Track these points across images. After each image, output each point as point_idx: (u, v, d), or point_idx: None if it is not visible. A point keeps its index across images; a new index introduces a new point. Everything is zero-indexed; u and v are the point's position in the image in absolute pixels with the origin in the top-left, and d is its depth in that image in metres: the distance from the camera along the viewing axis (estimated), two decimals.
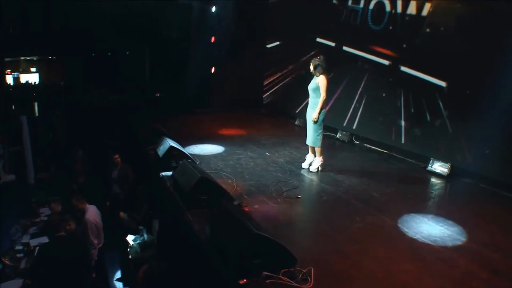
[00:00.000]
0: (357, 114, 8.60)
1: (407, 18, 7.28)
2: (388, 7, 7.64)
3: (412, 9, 7.14)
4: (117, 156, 7.81)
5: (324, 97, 6.44)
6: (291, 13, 10.86)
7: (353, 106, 8.69)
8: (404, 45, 7.37)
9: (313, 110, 6.58)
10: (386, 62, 7.69)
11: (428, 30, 6.92)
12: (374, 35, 7.98)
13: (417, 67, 7.08)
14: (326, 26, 9.32)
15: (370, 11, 8.00)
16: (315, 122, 6.51)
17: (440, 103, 6.76)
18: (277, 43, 12.03)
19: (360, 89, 8.41)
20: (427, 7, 6.90)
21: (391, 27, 7.61)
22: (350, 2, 8.59)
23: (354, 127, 8.82)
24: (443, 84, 6.66)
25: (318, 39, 9.54)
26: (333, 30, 9.06)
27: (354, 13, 8.42)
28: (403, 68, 7.31)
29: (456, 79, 6.53)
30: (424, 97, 7.11)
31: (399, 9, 7.40)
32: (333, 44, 9.10)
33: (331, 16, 9.18)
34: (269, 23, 12.02)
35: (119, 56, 20.01)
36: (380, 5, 7.80)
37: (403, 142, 7.62)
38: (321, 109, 6.49)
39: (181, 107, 12.94)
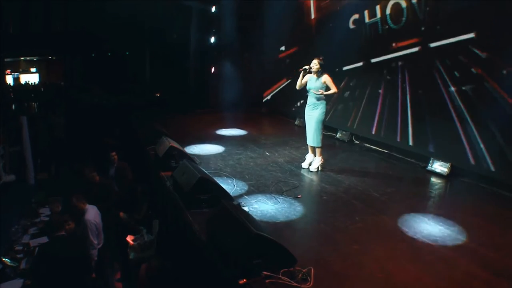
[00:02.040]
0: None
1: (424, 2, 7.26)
2: (404, 4, 7.61)
3: None
4: (114, 153, 7.75)
5: (336, 91, 6.58)
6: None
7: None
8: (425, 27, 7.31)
9: (314, 110, 6.61)
10: (416, 49, 7.55)
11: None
12: (398, 33, 7.90)
13: (444, 36, 6.92)
14: (350, 51, 9.04)
15: (388, 15, 7.99)
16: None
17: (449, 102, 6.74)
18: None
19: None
20: None
21: (411, 19, 7.55)
22: (366, 19, 8.55)
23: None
24: (472, 35, 6.43)
25: (345, 67, 9.27)
26: (358, 51, 8.86)
27: (374, 26, 8.40)
28: (432, 44, 7.15)
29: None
30: (432, 94, 7.07)
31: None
32: (361, 64, 8.92)
33: (352, 40, 8.97)
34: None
35: (119, 56, 20.03)
36: (396, 5, 7.80)
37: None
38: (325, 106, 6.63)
39: (181, 107, 12.96)
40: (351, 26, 9.04)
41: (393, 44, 7.96)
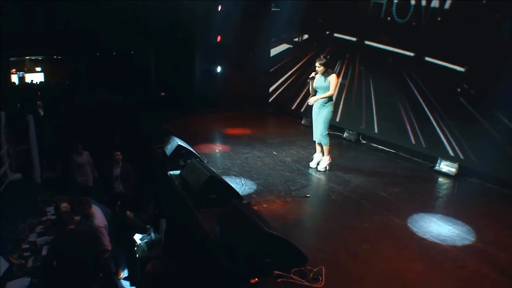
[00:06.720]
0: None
1: (431, 11, 7.17)
2: (413, 0, 7.51)
3: (435, 2, 7.09)
4: (118, 153, 7.72)
5: (332, 94, 6.49)
6: (303, 8, 10.66)
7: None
8: (427, 37, 7.30)
9: (322, 108, 6.60)
10: (411, 54, 7.57)
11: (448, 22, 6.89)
12: (399, 28, 7.85)
13: (440, 57, 6.96)
14: (346, 21, 9.11)
15: (395, 4, 7.88)
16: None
17: (458, 99, 6.72)
18: (285, 46, 11.97)
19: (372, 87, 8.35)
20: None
21: (414, 22, 7.49)
22: None
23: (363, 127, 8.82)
24: (462, 69, 6.57)
25: (336, 35, 9.32)
26: (355, 25, 8.83)
27: (378, 6, 8.25)
28: (427, 58, 7.19)
29: (474, 71, 6.46)
30: (440, 93, 7.07)
31: (424, 2, 7.31)
32: (354, 39, 8.91)
33: (352, 10, 8.98)
34: (278, 20, 11.87)
35: (124, 55, 20.06)
36: None
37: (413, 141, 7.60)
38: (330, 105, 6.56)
39: (187, 106, 12.97)
40: None
41: (390, 37, 7.97)
